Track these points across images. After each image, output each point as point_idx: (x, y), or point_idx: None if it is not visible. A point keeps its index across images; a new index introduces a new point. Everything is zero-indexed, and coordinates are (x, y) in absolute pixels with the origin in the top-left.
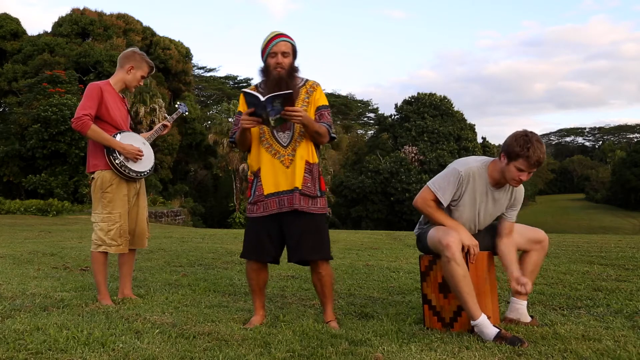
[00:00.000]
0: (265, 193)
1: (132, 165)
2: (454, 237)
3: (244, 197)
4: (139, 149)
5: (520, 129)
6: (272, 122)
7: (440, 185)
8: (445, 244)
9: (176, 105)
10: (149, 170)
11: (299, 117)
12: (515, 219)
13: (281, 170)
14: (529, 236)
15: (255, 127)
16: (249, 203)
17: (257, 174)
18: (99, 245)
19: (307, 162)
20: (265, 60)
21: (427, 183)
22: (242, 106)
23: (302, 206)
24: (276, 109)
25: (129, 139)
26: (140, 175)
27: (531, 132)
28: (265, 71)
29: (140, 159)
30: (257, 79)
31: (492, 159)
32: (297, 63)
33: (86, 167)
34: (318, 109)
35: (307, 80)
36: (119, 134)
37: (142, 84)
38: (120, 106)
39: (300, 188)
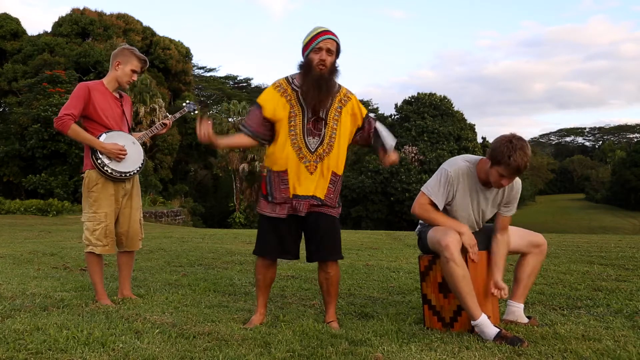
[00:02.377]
0: (291, 195)
1: (114, 166)
2: (453, 238)
3: (244, 197)
4: (121, 148)
5: (508, 132)
6: None
7: (432, 188)
8: (444, 244)
9: (183, 104)
10: (135, 170)
11: None
12: (510, 214)
13: (304, 175)
14: (529, 240)
15: (284, 128)
16: (270, 202)
17: (279, 174)
18: (87, 245)
19: (334, 173)
20: (307, 56)
21: (422, 188)
22: (268, 102)
23: (321, 208)
24: None
25: (115, 139)
26: (124, 176)
27: (517, 138)
28: (305, 67)
29: (124, 159)
30: (257, 80)
31: (481, 157)
32: (338, 62)
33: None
34: (366, 117)
35: (340, 86)
36: (105, 134)
37: (135, 79)
38: (114, 106)
39: (322, 199)
